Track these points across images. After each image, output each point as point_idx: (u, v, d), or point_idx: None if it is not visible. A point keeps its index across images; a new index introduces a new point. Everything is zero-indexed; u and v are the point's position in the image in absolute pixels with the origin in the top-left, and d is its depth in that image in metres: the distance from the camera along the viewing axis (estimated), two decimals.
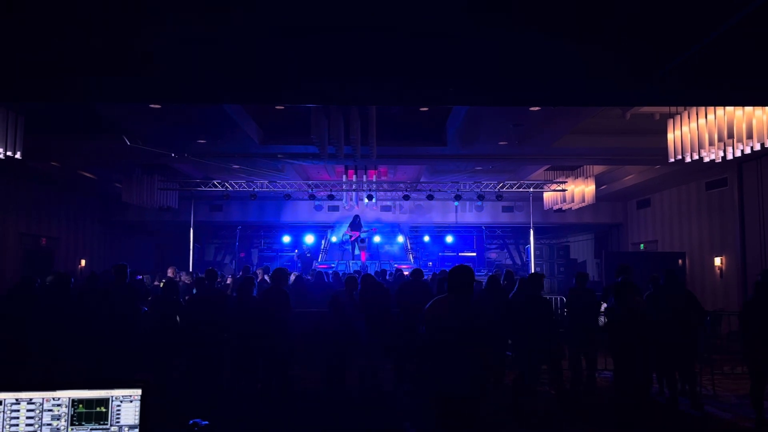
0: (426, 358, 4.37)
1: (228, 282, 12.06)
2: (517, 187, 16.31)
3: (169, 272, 11.79)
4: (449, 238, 22.22)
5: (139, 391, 2.04)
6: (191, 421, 2.12)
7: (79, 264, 17.94)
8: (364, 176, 16.52)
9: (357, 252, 19.14)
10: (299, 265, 18.66)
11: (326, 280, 11.38)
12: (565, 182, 16.41)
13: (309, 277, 12.31)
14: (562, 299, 12.05)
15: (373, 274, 12.50)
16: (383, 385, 7.78)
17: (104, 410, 2.01)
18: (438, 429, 4.19)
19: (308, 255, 19.99)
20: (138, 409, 2.02)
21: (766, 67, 5.34)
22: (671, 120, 9.25)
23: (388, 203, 20.27)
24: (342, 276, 11.36)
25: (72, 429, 1.99)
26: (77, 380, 2.00)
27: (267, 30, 4.80)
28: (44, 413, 1.99)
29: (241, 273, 11.82)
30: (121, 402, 2.02)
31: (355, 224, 18.77)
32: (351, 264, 18.17)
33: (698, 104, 8.28)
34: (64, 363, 6.79)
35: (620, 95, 6.56)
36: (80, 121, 10.93)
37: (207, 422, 2.11)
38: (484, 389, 4.19)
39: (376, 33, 4.89)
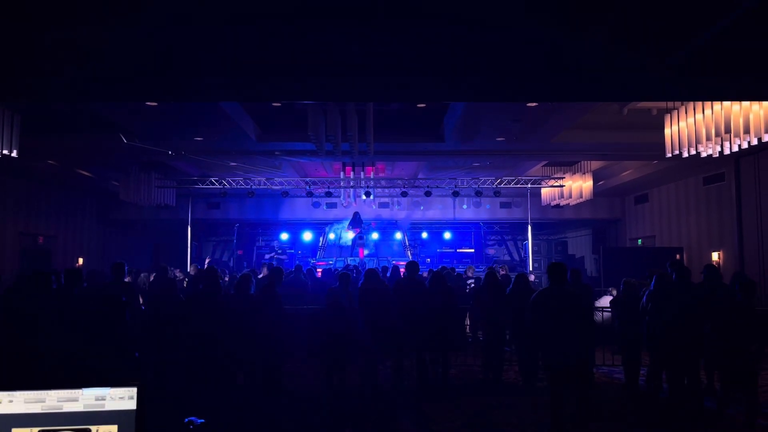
0: (534, 338, 5.30)
1: (226, 279, 12.02)
2: (515, 183, 16.31)
3: (191, 270, 11.62)
4: (447, 235, 22.21)
5: (134, 390, 2.03)
6: (186, 419, 2.11)
7: (77, 262, 17.91)
8: (362, 173, 16.50)
9: (356, 248, 19.11)
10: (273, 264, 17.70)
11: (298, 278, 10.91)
12: (562, 178, 16.40)
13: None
14: None
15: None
16: (382, 384, 7.78)
17: (100, 409, 2.00)
18: (552, 391, 5.25)
19: (279, 251, 19.97)
20: (133, 407, 2.02)
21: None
22: (668, 115, 9.25)
23: (386, 200, 20.26)
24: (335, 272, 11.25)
25: (67, 428, 1.98)
26: (73, 379, 1.99)
27: (264, 26, 4.78)
28: (40, 412, 1.98)
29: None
30: (117, 400, 2.01)
31: (356, 221, 18.73)
32: (349, 261, 18.14)
33: (700, 99, 8.25)
34: (58, 362, 6.77)
35: (621, 91, 6.56)
36: (77, 119, 10.90)
37: (202, 420, 2.11)
38: (584, 358, 5.21)
39: (374, 29, 4.88)
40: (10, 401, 1.97)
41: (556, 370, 5.13)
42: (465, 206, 20.15)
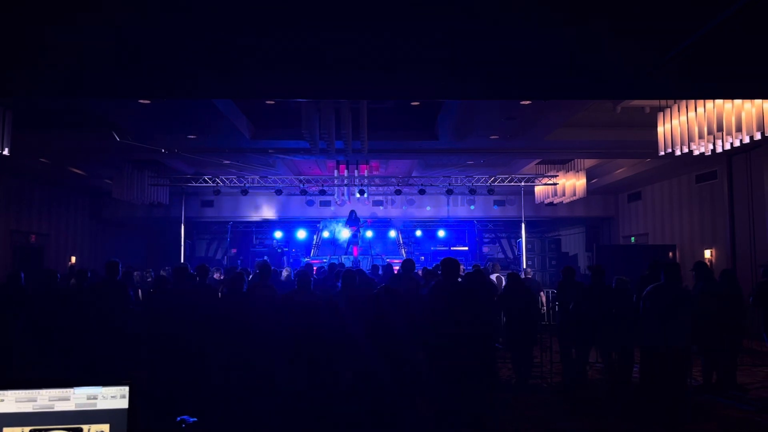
0: (646, 324, 6.14)
1: (215, 277, 11.80)
2: (509, 181, 16.34)
3: (215, 275, 11.31)
4: (441, 233, 22.24)
5: (126, 388, 2.03)
6: (179, 418, 2.11)
7: (69, 261, 17.84)
8: (356, 171, 16.50)
9: (350, 246, 19.11)
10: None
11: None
12: (556, 176, 16.44)
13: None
14: (552, 292, 12.09)
15: (367, 269, 12.35)
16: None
17: (91, 408, 1.99)
18: (650, 375, 6.21)
19: (279, 251, 20.04)
20: (125, 406, 2.01)
21: (762, 59, 5.36)
22: (661, 113, 9.28)
23: (380, 198, 20.27)
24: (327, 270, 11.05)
25: (59, 427, 1.97)
26: (65, 378, 1.98)
27: (256, 22, 4.77)
28: (31, 411, 1.97)
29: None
30: (109, 399, 2.00)
31: (352, 219, 18.74)
32: (343, 259, 18.13)
33: (695, 97, 8.26)
34: (51, 360, 6.75)
35: (616, 88, 6.56)
36: (69, 117, 10.84)
37: (195, 419, 2.10)
38: (689, 341, 6.06)
39: (368, 26, 4.86)
40: (1, 400, 1.96)
41: (659, 352, 6.01)
42: (457, 203, 20.17)
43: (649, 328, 6.19)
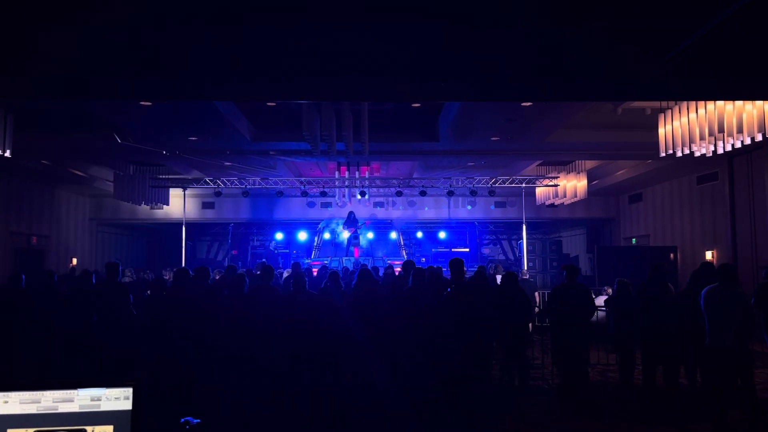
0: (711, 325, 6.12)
1: (216, 278, 11.79)
2: (510, 183, 16.34)
3: (216, 276, 11.16)
4: (442, 234, 22.25)
5: (130, 390, 2.03)
6: (183, 419, 2.11)
7: (70, 262, 17.84)
8: (357, 173, 16.50)
9: (351, 248, 19.10)
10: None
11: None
12: (557, 177, 16.44)
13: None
14: (547, 293, 12.08)
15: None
16: (377, 383, 7.76)
17: (95, 409, 1.99)
18: (713, 373, 6.23)
19: (275, 252, 20.12)
20: (129, 407, 2.01)
21: (762, 59, 5.36)
22: (662, 115, 9.28)
23: (381, 199, 20.28)
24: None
25: (63, 428, 1.97)
26: (67, 379, 1.99)
27: (257, 24, 4.77)
28: (35, 413, 1.97)
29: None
30: (112, 401, 2.00)
31: (351, 220, 18.74)
32: (344, 260, 18.12)
33: (695, 98, 8.25)
34: (52, 361, 6.76)
35: (616, 89, 6.57)
36: (70, 118, 10.85)
37: (198, 420, 2.10)
38: (744, 342, 6.05)
39: (368, 27, 4.87)
40: (6, 402, 1.96)
41: (718, 349, 6.05)
42: (467, 206, 20.16)
43: (714, 330, 6.14)
